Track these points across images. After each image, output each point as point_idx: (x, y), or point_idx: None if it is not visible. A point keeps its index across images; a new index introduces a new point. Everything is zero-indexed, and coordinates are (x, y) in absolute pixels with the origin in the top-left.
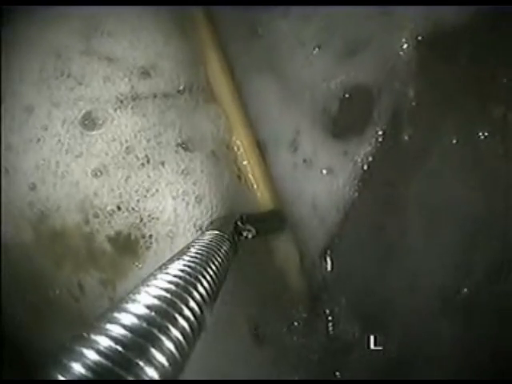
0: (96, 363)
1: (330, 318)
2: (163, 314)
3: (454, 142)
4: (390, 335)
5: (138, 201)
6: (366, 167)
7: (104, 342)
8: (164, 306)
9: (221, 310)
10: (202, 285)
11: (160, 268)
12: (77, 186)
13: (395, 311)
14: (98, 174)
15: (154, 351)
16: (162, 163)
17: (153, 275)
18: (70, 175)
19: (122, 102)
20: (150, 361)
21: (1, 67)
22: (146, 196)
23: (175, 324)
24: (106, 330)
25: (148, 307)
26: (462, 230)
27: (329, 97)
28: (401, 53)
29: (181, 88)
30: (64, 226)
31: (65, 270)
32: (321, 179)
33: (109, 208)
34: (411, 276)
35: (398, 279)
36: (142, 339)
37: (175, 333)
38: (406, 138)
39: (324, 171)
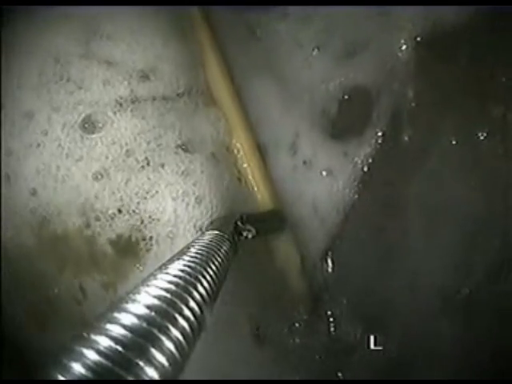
0: (96, 363)
1: (331, 318)
2: (163, 314)
3: (454, 142)
4: (390, 335)
5: (138, 203)
6: (365, 168)
7: (104, 342)
8: (164, 305)
9: (222, 310)
10: (202, 285)
11: (160, 268)
12: (77, 189)
13: (396, 311)
14: (99, 177)
15: (154, 351)
16: (162, 165)
17: (153, 275)
18: (70, 179)
19: (121, 105)
20: (150, 361)
21: (0, 73)
22: (146, 198)
23: (175, 324)
24: (106, 329)
25: (148, 307)
26: (461, 230)
27: (328, 98)
28: (400, 53)
29: (180, 91)
30: (65, 230)
31: (67, 273)
32: (321, 181)
33: (110, 211)
34: (411, 276)
35: (398, 279)
36: (142, 339)
37: (175, 333)
38: (406, 138)
39: (324, 173)
